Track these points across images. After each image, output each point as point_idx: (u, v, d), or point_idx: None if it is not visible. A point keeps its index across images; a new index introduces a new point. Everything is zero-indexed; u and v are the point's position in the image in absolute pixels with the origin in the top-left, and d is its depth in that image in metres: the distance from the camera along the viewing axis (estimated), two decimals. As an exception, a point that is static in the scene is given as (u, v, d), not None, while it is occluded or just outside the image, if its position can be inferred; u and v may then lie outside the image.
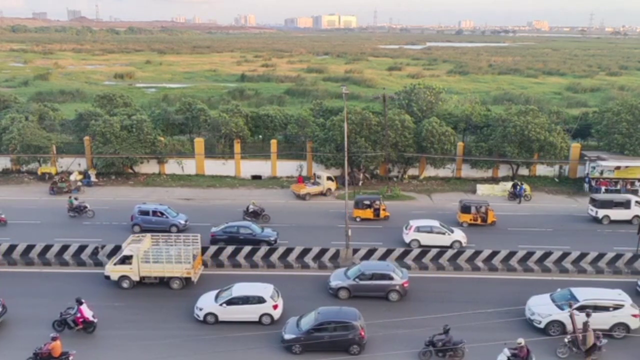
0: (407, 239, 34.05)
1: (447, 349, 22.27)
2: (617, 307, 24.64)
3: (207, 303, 25.55)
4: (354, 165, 46.55)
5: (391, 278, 27.52)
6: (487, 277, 30.27)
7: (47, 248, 31.19)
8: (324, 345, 22.98)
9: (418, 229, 34.03)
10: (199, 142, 49.21)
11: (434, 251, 31.57)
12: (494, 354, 22.02)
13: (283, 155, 49.11)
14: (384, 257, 31.31)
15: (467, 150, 48.96)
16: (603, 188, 45.57)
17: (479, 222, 37.56)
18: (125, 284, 28.30)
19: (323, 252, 31.48)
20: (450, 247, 33.21)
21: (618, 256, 31.09)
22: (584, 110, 58.75)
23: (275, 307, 25.36)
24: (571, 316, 21.50)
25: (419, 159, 48.33)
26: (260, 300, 25.21)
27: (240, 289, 25.78)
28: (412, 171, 49.41)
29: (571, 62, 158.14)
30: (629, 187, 45.55)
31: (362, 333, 23.17)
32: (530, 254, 31.24)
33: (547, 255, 31.26)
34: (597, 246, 33.19)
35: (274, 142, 49.23)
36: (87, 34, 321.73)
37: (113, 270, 28.29)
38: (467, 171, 49.10)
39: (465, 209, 37.81)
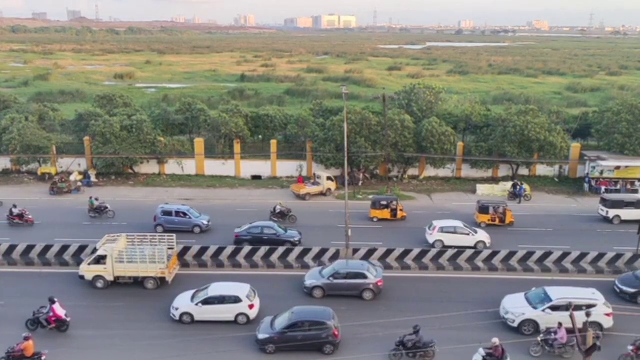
0: (430, 240, 33.95)
1: (417, 350, 22.29)
2: (590, 307, 24.58)
3: (183, 303, 25.62)
4: (354, 165, 46.55)
5: (365, 277, 27.61)
6: (481, 277, 30.25)
7: (47, 248, 31.20)
8: (298, 345, 22.99)
9: (442, 230, 33.92)
10: (199, 143, 49.21)
11: (433, 251, 31.58)
12: (470, 354, 22.02)
13: (283, 155, 49.11)
14: (384, 257, 31.37)
15: (467, 150, 48.96)
16: (603, 188, 45.58)
17: (497, 222, 37.41)
18: (99, 284, 28.31)
19: (323, 252, 31.47)
20: (474, 247, 33.04)
21: (618, 256, 31.09)
22: (584, 110, 58.74)
23: (251, 306, 25.39)
24: (571, 316, 21.47)
25: (419, 159, 48.33)
26: (236, 300, 25.23)
27: (216, 289, 25.83)
28: (412, 171, 49.42)
29: (571, 62, 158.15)
30: (629, 187, 45.56)
31: (336, 333, 23.20)
32: (530, 254, 31.25)
33: (547, 255, 31.26)
34: (597, 246, 33.20)
35: (274, 142, 49.23)
36: (87, 35, 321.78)
37: (87, 270, 28.32)
38: (467, 171, 49.11)
39: (484, 210, 37.70)
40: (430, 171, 49.18)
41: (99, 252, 28.49)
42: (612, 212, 38.67)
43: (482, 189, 45.45)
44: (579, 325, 21.79)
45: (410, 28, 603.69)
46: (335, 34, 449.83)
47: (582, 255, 31.29)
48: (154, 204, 40.78)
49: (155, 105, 69.31)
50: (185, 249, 31.12)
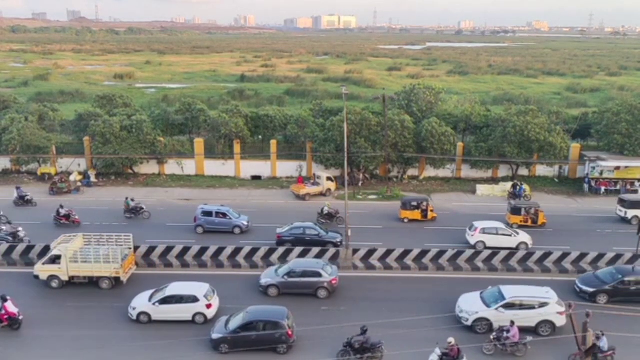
0: (472, 241, 33.86)
1: (365, 351, 22.27)
2: (542, 305, 24.79)
3: (140, 302, 25.60)
4: (354, 165, 46.55)
5: (320, 275, 27.72)
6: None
7: (47, 248, 31.13)
8: (251, 344, 22.95)
9: (484, 231, 33.82)
10: (199, 143, 49.20)
11: (434, 251, 31.54)
12: (429, 353, 22.03)
13: (283, 155, 49.10)
14: (384, 258, 31.36)
15: (466, 150, 48.96)
16: (603, 188, 45.62)
17: (529, 223, 37.29)
18: (54, 284, 28.24)
19: (323, 252, 31.44)
20: (516, 249, 32.89)
21: (618, 256, 31.07)
22: (583, 111, 58.79)
23: (209, 306, 25.33)
24: (570, 317, 21.47)
25: (419, 159, 48.34)
26: (193, 299, 25.18)
27: (174, 289, 25.81)
28: (411, 171, 49.41)
29: (571, 63, 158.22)
30: (628, 187, 45.58)
31: (290, 332, 23.17)
32: (530, 255, 31.24)
33: (546, 255, 31.25)
34: (597, 246, 33.19)
35: (273, 142, 49.22)
36: (87, 35, 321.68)
37: (42, 270, 28.24)
38: (466, 171, 49.11)
39: (516, 211, 37.62)
40: (430, 171, 49.18)
41: (54, 252, 28.45)
42: (630, 213, 38.57)
43: (482, 190, 45.44)
44: (578, 325, 21.78)
45: (410, 28, 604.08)
46: (335, 34, 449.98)
47: (582, 256, 31.28)
48: (154, 204, 40.87)
49: (155, 105, 69.30)
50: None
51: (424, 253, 31.48)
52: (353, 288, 28.91)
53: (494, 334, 23.43)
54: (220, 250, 31.33)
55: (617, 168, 45.75)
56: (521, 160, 46.86)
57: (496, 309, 24.76)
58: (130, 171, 48.98)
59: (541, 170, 49.34)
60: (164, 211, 40.06)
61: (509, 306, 24.70)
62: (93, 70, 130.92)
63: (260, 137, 51.93)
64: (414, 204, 38.78)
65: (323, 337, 23.50)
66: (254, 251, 31.35)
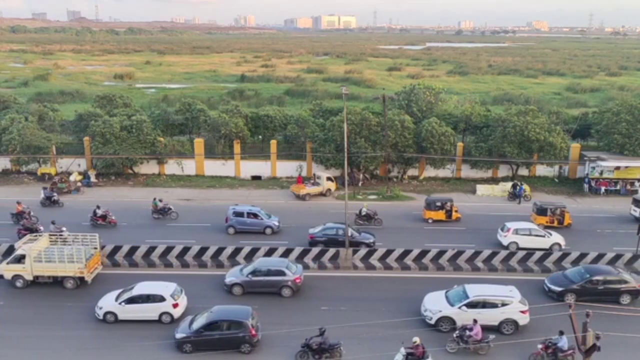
0: (505, 242, 33.83)
1: (322, 351, 22.30)
2: (505, 304, 24.86)
3: (107, 302, 25.65)
4: (354, 165, 46.56)
5: (283, 274, 27.81)
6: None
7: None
8: (215, 344, 22.96)
9: (517, 232, 33.81)
10: (199, 143, 49.21)
11: (434, 251, 31.55)
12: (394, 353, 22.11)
13: (283, 155, 49.10)
14: (383, 258, 31.38)
15: (466, 150, 48.96)
16: (603, 188, 45.63)
17: (555, 224, 37.18)
18: (18, 284, 28.28)
19: (323, 252, 31.46)
20: (550, 249, 32.85)
21: (618, 256, 31.10)
22: (583, 111, 58.78)
23: (175, 305, 25.36)
24: (571, 317, 21.44)
25: (419, 159, 48.34)
26: (160, 299, 25.23)
27: (141, 288, 25.86)
28: (411, 171, 49.42)
29: (571, 63, 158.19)
30: (628, 187, 45.60)
31: (254, 332, 23.19)
32: (529, 255, 31.25)
33: (546, 255, 31.28)
34: (596, 246, 33.20)
35: (273, 142, 49.23)
36: (87, 35, 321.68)
37: (6, 269, 28.27)
38: (466, 171, 49.11)
39: (541, 211, 37.55)
40: (430, 171, 49.19)
41: (18, 252, 28.47)
42: None
43: (482, 190, 45.45)
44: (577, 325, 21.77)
45: (410, 28, 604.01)
46: (335, 35, 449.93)
47: (582, 256, 31.28)
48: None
49: (155, 105, 69.37)
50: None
51: (424, 253, 31.49)
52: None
53: (457, 332, 23.61)
54: (220, 250, 31.32)
55: (617, 168, 45.75)
56: (521, 160, 46.86)
57: (459, 307, 24.90)
58: (130, 171, 48.98)
59: (541, 170, 49.34)
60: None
61: (472, 305, 24.81)
62: (93, 71, 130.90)
63: (260, 137, 51.94)
64: (439, 204, 38.71)
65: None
66: (253, 251, 31.32)
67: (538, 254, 31.26)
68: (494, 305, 24.82)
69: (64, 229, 33.66)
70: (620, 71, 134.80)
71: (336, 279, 30.12)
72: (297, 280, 27.95)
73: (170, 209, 38.64)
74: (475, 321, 23.50)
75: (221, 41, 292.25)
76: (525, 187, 44.16)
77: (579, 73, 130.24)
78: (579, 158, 48.39)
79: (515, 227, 34.18)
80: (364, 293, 28.57)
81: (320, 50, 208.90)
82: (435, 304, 25.47)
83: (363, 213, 37.94)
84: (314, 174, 46.25)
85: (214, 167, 49.37)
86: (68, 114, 57.24)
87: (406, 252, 31.50)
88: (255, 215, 36.19)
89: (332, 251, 31.43)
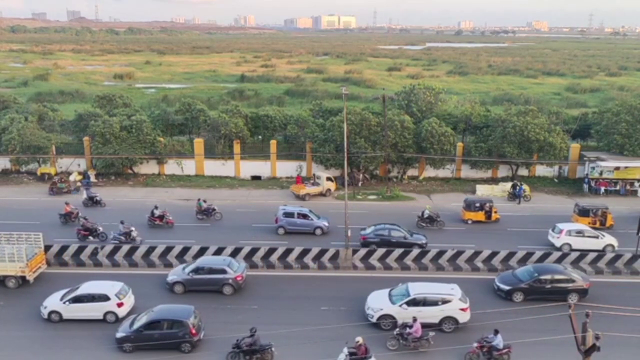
0: (557, 243, 33.82)
1: (253, 352, 22.30)
2: (445, 301, 24.93)
3: (52, 301, 25.65)
4: (354, 165, 46.55)
5: (224, 272, 27.93)
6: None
7: (47, 249, 31.15)
8: (155, 343, 23.00)
9: (569, 233, 33.83)
10: (199, 143, 49.21)
11: (433, 251, 31.56)
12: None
13: (283, 155, 49.10)
14: (383, 258, 31.39)
15: (466, 150, 48.97)
16: (602, 189, 45.63)
17: (597, 225, 37.07)
18: None
19: (322, 252, 31.46)
20: (602, 250, 32.87)
21: (618, 256, 31.13)
22: (583, 111, 58.77)
23: (120, 305, 25.40)
24: (571, 317, 21.45)
25: (419, 159, 48.35)
26: (105, 298, 25.27)
27: (86, 287, 25.91)
28: (411, 172, 49.42)
29: (571, 63, 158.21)
30: (628, 187, 45.61)
31: (194, 331, 23.22)
32: (529, 255, 31.26)
33: (546, 255, 31.27)
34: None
35: (273, 142, 49.23)
36: (87, 35, 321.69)
37: None
38: (466, 172, 49.12)
39: (583, 212, 37.52)
40: (429, 172, 49.19)
41: None
42: None
43: (482, 190, 45.45)
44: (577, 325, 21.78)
45: (410, 28, 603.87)
46: (335, 35, 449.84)
47: (582, 256, 31.31)
48: (153, 205, 40.85)
49: (155, 105, 69.32)
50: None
51: (423, 253, 31.50)
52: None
53: (397, 329, 23.76)
54: (219, 250, 31.28)
55: (617, 168, 45.75)
56: (521, 161, 46.87)
57: (400, 305, 25.03)
58: (130, 171, 48.97)
59: (541, 170, 49.35)
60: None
61: (413, 303, 24.93)
62: (93, 70, 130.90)
63: (260, 137, 51.95)
64: (478, 205, 38.71)
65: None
66: (253, 251, 31.28)
67: (538, 254, 31.25)
68: (434, 303, 24.98)
69: (132, 228, 33.94)
70: (620, 71, 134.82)
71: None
72: (239, 278, 28.07)
73: (214, 209, 38.54)
74: (414, 319, 23.62)
75: (221, 41, 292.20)
76: (525, 187, 44.15)
77: (578, 73, 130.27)
78: (578, 158, 48.40)
79: (567, 228, 34.17)
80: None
81: (320, 50, 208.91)
82: (377, 303, 25.62)
83: (425, 215, 37.76)
84: (314, 174, 46.25)
85: (214, 167, 49.37)
86: (68, 114, 57.23)
87: (406, 253, 31.51)
88: (305, 216, 36.12)
89: (331, 251, 31.42)
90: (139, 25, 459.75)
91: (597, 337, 22.00)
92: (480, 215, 38.53)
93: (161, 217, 36.94)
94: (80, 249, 31.22)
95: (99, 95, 58.02)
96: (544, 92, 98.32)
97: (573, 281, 27.68)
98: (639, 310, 22.93)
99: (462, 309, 24.95)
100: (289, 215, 36.18)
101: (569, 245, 33.50)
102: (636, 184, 45.72)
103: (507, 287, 27.83)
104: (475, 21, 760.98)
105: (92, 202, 40.91)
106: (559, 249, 33.26)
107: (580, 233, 33.95)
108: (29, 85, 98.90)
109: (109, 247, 31.42)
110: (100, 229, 34.54)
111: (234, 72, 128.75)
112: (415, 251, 31.60)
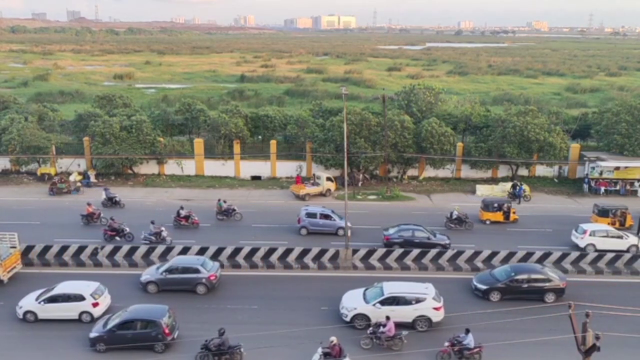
0: (581, 244, 33.70)
1: (222, 353, 22.22)
2: (419, 300, 24.96)
3: (27, 301, 25.60)
4: (354, 165, 46.56)
5: (198, 271, 27.95)
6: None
7: (47, 249, 31.19)
8: (128, 342, 22.96)
9: (593, 233, 33.75)
10: (199, 143, 49.21)
11: (433, 252, 31.55)
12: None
13: (282, 155, 49.10)
14: (383, 258, 31.38)
15: (466, 150, 48.96)
16: (602, 189, 45.63)
17: (616, 225, 36.90)
18: None
19: (322, 252, 31.45)
20: (627, 251, 32.80)
21: (617, 257, 31.12)
22: (583, 111, 58.75)
23: (95, 305, 25.35)
24: (570, 317, 21.44)
25: (419, 159, 48.34)
26: (80, 298, 25.26)
27: (62, 287, 25.86)
28: (411, 172, 49.41)
29: (570, 63, 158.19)
30: (628, 187, 45.62)
31: (167, 331, 23.17)
32: (529, 255, 31.24)
33: (546, 255, 31.25)
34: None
35: (273, 142, 49.23)
36: (87, 35, 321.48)
37: None
38: (466, 172, 49.12)
39: (603, 213, 37.42)
40: (429, 172, 49.19)
41: None
42: None
43: (482, 190, 45.44)
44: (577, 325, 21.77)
45: (410, 28, 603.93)
46: (335, 35, 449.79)
47: (582, 256, 31.31)
48: (154, 205, 40.89)
49: (155, 105, 69.33)
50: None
51: (423, 253, 31.49)
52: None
53: (371, 329, 23.82)
54: (220, 251, 31.26)
55: (617, 168, 45.75)
56: (521, 161, 46.87)
57: (373, 304, 25.04)
58: (130, 171, 48.97)
59: (541, 170, 49.34)
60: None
61: (386, 302, 24.97)
62: (93, 71, 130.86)
63: (260, 137, 51.93)
64: (496, 205, 38.68)
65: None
66: (253, 251, 31.31)
67: (538, 254, 31.21)
68: (407, 302, 25.01)
69: (162, 228, 33.96)
70: (620, 71, 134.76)
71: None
72: (212, 278, 28.10)
73: (234, 210, 38.44)
74: (388, 318, 23.64)
75: (221, 41, 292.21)
76: (525, 187, 44.15)
77: (578, 73, 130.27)
78: (578, 158, 48.40)
79: (591, 229, 34.07)
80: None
81: (320, 51, 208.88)
82: (351, 302, 25.66)
83: (454, 216, 37.66)
84: (314, 174, 46.24)
85: (214, 167, 49.36)
86: (68, 114, 57.23)
87: (405, 253, 31.51)
88: (328, 217, 36.00)
89: (331, 251, 31.41)
90: (139, 26, 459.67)
91: (597, 337, 22.01)
92: (498, 216, 38.51)
93: (187, 218, 36.95)
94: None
95: (99, 95, 58.00)
96: (544, 92, 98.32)
97: (550, 281, 27.69)
98: (639, 310, 22.91)
99: (436, 308, 24.99)
100: (311, 215, 36.07)
101: (594, 245, 33.36)
102: (636, 184, 45.72)
103: (484, 287, 27.86)
104: (475, 21, 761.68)
105: (111, 202, 40.89)
106: (582, 249, 33.13)
107: (604, 233, 33.84)
108: (29, 86, 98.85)
109: (109, 247, 31.34)
110: (127, 229, 34.55)
111: (234, 72, 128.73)
112: (415, 251, 31.57)
